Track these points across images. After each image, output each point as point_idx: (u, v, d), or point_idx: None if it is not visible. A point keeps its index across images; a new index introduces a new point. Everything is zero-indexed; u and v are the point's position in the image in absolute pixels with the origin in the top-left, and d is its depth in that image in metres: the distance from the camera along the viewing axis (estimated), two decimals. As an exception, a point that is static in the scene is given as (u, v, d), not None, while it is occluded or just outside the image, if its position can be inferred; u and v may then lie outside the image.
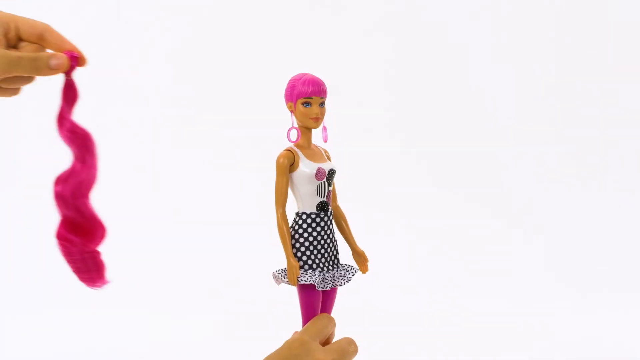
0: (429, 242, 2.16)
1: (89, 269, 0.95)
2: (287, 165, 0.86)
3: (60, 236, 0.94)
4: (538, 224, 2.21)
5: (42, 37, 0.90)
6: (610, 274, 2.09)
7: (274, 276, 0.88)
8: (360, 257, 0.92)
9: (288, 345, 0.83)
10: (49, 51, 0.91)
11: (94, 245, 0.96)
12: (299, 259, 0.86)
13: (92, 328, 1.87)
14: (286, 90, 0.87)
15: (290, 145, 0.87)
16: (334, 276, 0.89)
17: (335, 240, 0.90)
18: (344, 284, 0.89)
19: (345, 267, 0.90)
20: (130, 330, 1.84)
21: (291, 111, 0.87)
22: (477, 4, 2.28)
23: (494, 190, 2.23)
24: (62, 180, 0.92)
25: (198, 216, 2.15)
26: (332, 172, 0.88)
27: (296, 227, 0.87)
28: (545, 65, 2.26)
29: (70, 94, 0.91)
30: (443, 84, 2.26)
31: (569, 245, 2.17)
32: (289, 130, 0.88)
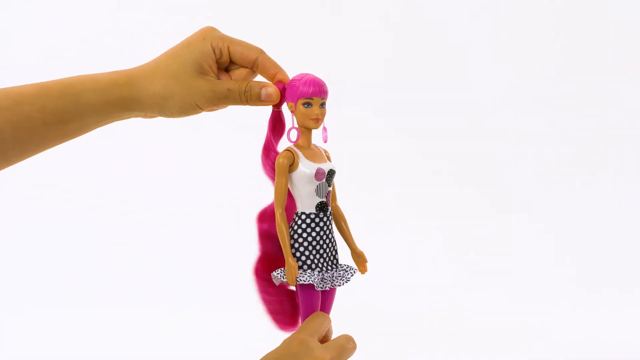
0: (428, 242, 2.16)
1: (285, 311, 0.92)
2: (287, 165, 0.86)
3: (259, 274, 0.91)
4: (538, 223, 2.21)
5: (255, 63, 0.86)
6: (611, 274, 2.09)
7: (273, 276, 0.88)
8: (359, 258, 0.92)
9: (287, 343, 0.83)
10: (260, 77, 0.87)
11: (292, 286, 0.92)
12: (298, 259, 0.87)
13: (92, 328, 1.88)
14: (287, 90, 0.88)
15: (290, 145, 0.88)
16: (332, 276, 0.89)
17: (334, 241, 0.90)
18: (343, 284, 0.89)
19: (345, 267, 0.91)
20: (130, 330, 1.84)
21: (291, 111, 0.87)
22: (477, 4, 2.28)
23: (494, 189, 2.23)
24: (269, 218, 0.89)
25: (196, 215, 2.15)
26: (331, 173, 0.89)
27: (295, 227, 0.87)
28: (546, 64, 2.27)
29: (278, 126, 0.89)
30: (443, 84, 2.26)
31: (570, 245, 2.17)
32: (289, 130, 0.88)
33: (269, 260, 0.91)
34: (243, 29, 2.23)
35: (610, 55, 2.27)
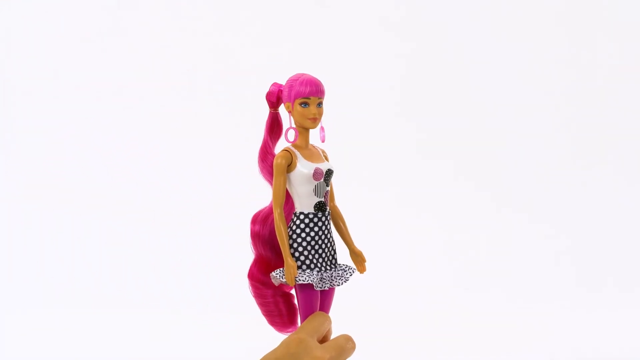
0: (428, 241, 2.17)
1: (281, 313, 0.93)
2: (285, 166, 0.86)
3: (254, 277, 0.92)
4: (538, 223, 2.21)
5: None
6: (611, 274, 2.10)
7: (272, 277, 0.88)
8: (357, 257, 0.92)
9: (286, 344, 0.83)
10: None
11: (288, 288, 0.92)
12: (297, 258, 0.87)
13: (92, 328, 1.88)
14: (284, 91, 0.88)
15: (288, 145, 0.88)
16: (331, 276, 0.89)
17: (332, 241, 0.90)
18: (342, 284, 0.89)
19: (343, 267, 0.91)
20: (130, 330, 1.84)
21: (289, 111, 0.88)
22: (480, 4, 2.28)
23: (494, 189, 2.23)
24: (261, 220, 0.90)
25: (196, 215, 2.15)
26: (329, 172, 0.89)
27: (294, 227, 0.87)
28: (545, 63, 2.27)
29: (275, 128, 0.89)
30: (443, 83, 2.26)
31: (569, 245, 2.17)
32: (287, 130, 0.88)
33: (263, 262, 0.91)
34: (242, 28, 2.24)
35: (610, 54, 2.27)
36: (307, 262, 0.87)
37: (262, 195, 0.90)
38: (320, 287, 0.87)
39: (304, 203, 0.87)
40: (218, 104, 2.24)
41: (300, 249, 0.87)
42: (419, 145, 2.25)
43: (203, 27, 2.26)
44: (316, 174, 0.87)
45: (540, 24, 2.28)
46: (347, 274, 0.90)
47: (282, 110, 0.89)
